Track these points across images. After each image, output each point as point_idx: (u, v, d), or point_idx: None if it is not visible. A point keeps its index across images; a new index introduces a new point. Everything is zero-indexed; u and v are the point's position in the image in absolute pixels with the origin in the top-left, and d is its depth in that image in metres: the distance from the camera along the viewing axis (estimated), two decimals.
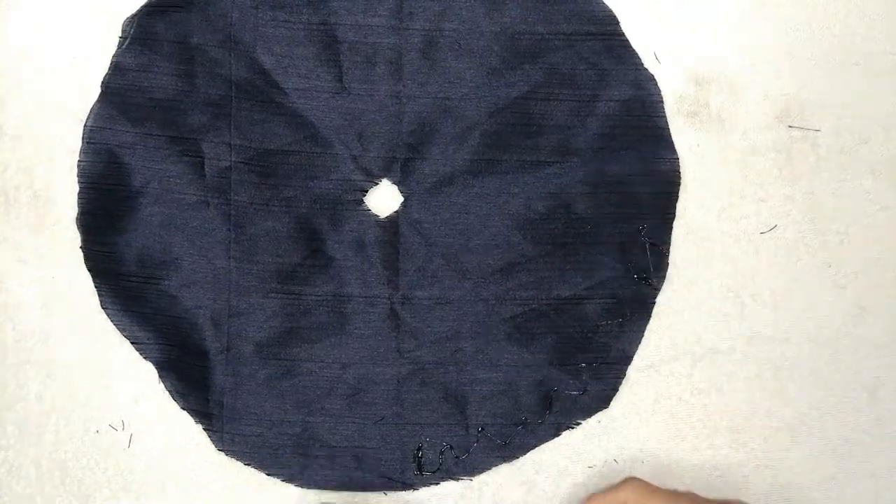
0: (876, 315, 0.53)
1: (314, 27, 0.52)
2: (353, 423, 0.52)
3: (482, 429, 0.52)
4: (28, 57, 0.52)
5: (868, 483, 0.53)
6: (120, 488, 0.52)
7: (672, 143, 0.53)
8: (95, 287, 0.52)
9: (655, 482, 0.50)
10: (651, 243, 0.52)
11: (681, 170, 0.53)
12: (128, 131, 0.51)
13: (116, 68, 0.52)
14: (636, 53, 0.53)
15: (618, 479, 0.50)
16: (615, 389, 0.52)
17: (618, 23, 0.53)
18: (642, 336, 0.53)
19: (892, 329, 0.53)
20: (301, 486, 0.52)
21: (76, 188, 0.52)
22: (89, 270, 0.52)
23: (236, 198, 0.52)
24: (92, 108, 0.52)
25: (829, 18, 0.54)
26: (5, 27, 0.52)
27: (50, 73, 0.52)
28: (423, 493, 0.52)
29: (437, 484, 0.52)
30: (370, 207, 0.53)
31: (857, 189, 0.54)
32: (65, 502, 0.51)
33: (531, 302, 0.52)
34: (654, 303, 0.53)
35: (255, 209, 0.52)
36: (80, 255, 0.52)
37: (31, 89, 0.52)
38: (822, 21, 0.54)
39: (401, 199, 0.53)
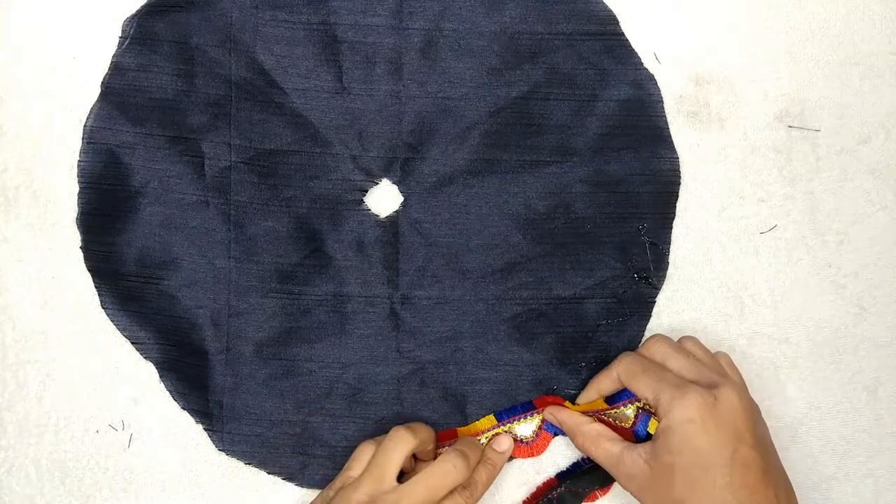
0: (876, 315, 0.53)
1: (314, 27, 0.52)
2: (353, 423, 0.52)
3: None
4: (28, 56, 0.52)
5: (868, 483, 0.53)
6: (120, 488, 0.52)
7: (672, 142, 0.53)
8: (95, 287, 0.52)
9: None
10: (651, 243, 0.52)
11: (681, 169, 0.53)
12: (128, 131, 0.51)
13: (116, 68, 0.52)
14: (636, 53, 0.53)
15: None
16: None
17: (618, 23, 0.53)
18: (642, 336, 0.53)
19: (892, 329, 0.53)
20: (301, 485, 0.52)
21: (76, 188, 0.52)
22: (89, 270, 0.52)
23: (236, 198, 0.52)
24: (92, 108, 0.52)
25: (829, 18, 0.54)
26: (5, 26, 0.52)
27: (50, 73, 0.52)
28: None
29: None
30: (370, 207, 0.53)
31: (857, 189, 0.54)
32: (65, 502, 0.51)
33: (531, 302, 0.52)
34: (654, 303, 0.53)
35: (255, 209, 0.52)
36: (80, 255, 0.52)
37: (30, 89, 0.52)
38: (822, 21, 0.54)
39: (401, 198, 0.53)
